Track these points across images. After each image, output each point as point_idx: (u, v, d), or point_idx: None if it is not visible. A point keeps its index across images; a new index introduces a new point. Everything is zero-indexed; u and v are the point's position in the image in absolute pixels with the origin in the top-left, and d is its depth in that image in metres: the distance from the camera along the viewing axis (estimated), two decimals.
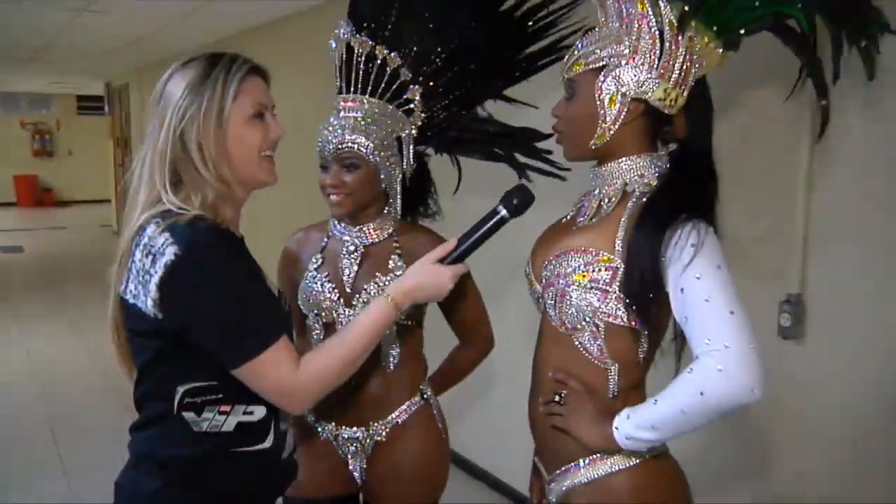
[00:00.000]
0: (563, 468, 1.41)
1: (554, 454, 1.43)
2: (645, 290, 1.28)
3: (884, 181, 1.95)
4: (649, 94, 1.33)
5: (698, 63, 1.35)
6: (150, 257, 1.25)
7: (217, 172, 1.32)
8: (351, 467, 1.83)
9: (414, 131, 1.76)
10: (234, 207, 1.38)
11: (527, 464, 1.60)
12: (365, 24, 1.73)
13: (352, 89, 1.73)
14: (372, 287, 1.72)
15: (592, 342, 1.35)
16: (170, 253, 1.23)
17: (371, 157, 1.69)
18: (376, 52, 1.72)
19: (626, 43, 1.33)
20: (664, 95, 1.34)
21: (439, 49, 1.74)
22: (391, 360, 1.76)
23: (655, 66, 1.32)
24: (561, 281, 1.35)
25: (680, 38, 1.33)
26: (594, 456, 1.36)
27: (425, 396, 1.84)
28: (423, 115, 1.77)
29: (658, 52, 1.32)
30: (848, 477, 2.06)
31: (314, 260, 1.79)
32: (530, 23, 1.79)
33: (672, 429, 1.25)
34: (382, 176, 1.72)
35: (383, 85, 1.73)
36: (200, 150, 1.31)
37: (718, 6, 1.34)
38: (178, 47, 6.88)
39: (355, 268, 1.75)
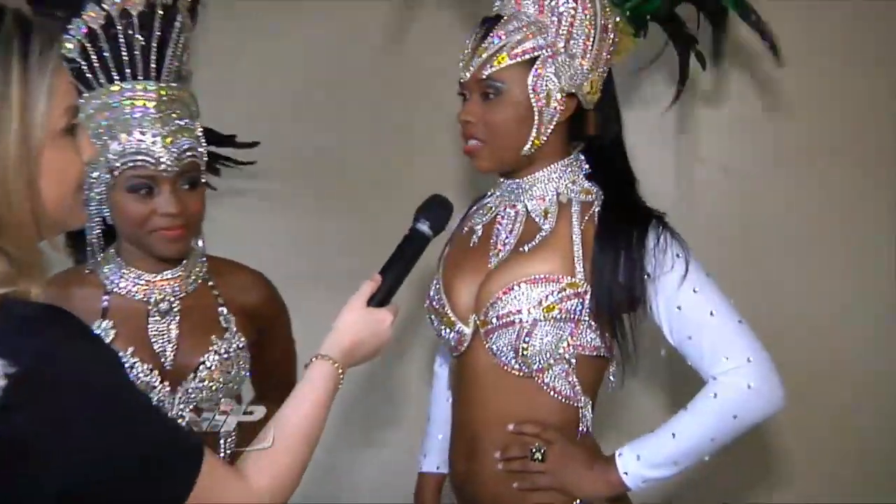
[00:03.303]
0: None
1: None
2: (620, 312, 1.17)
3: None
4: (582, 88, 1.20)
5: (613, 52, 1.26)
6: None
7: (18, 234, 0.78)
8: None
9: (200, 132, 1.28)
10: (40, 279, 0.81)
11: None
12: None
13: (163, 73, 1.23)
14: (212, 359, 1.25)
15: (564, 380, 1.19)
16: None
17: (204, 170, 1.27)
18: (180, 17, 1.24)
19: (555, 31, 1.18)
20: (590, 88, 1.21)
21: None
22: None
23: (588, 55, 1.19)
24: (524, 317, 1.16)
25: (609, 24, 1.22)
26: None
27: None
28: None
29: (592, 39, 1.19)
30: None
31: (98, 331, 1.21)
32: None
33: (697, 459, 1.15)
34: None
35: (181, 68, 1.27)
36: None
37: None
38: None
39: (174, 335, 1.25)
